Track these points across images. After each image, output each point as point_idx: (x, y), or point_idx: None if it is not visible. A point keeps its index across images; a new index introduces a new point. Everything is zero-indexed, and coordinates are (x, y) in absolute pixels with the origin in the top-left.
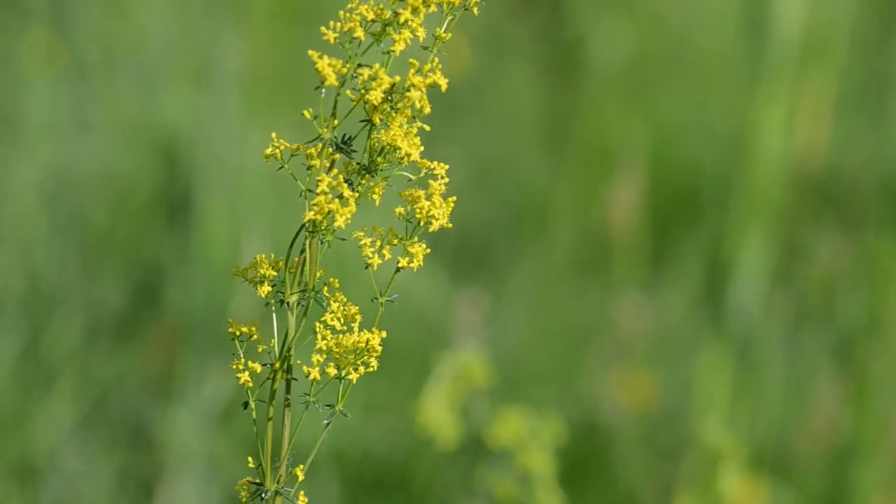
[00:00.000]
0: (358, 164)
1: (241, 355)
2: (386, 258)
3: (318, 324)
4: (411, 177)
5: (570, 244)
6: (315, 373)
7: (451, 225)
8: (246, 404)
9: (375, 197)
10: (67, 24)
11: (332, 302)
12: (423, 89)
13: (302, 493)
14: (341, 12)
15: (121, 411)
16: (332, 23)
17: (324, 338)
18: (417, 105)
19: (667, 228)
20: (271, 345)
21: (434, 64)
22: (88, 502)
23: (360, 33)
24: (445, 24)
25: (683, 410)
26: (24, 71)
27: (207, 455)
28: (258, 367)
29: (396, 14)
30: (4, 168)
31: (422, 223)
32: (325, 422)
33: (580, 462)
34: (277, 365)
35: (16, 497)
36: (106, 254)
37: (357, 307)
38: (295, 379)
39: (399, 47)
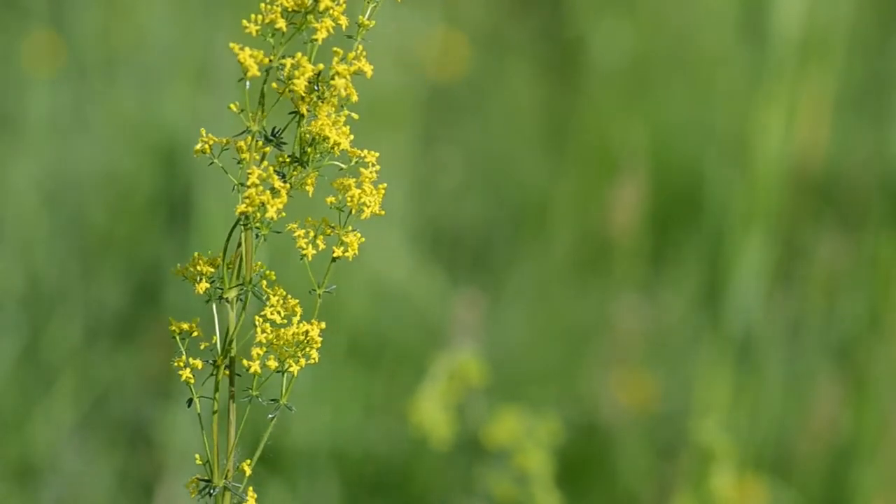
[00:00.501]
0: (289, 155)
1: (183, 352)
2: (320, 248)
3: (257, 317)
4: (342, 166)
5: (569, 244)
6: (255, 366)
7: (383, 212)
8: (190, 401)
9: (308, 188)
10: (67, 24)
11: (271, 296)
12: (348, 77)
13: (251, 488)
14: (262, 4)
15: (121, 411)
16: (253, 15)
17: (264, 331)
18: (343, 93)
19: (667, 229)
20: (213, 341)
21: (359, 52)
22: (88, 502)
23: (281, 24)
24: (368, 11)
25: (683, 411)
26: (24, 71)
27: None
28: (199, 364)
29: (316, 2)
30: (4, 168)
31: (353, 211)
32: (270, 416)
33: (580, 462)
34: (220, 360)
35: (16, 497)
36: (106, 254)
37: (297, 300)
38: (238, 374)
39: (321, 35)
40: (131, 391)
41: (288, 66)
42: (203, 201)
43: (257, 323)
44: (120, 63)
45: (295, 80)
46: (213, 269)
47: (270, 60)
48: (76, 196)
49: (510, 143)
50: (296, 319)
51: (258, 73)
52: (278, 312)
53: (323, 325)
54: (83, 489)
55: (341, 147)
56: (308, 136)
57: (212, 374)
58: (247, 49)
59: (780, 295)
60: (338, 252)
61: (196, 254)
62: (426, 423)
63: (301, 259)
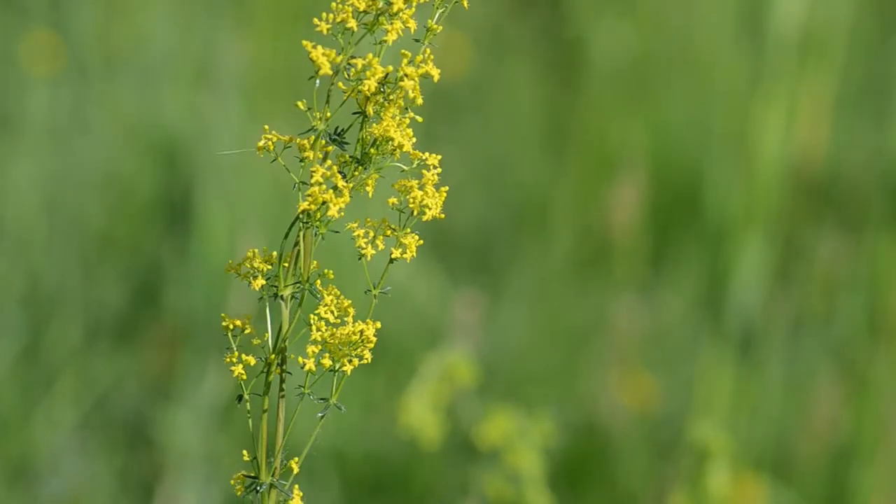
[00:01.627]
0: (351, 156)
1: (235, 349)
2: (379, 248)
3: (312, 316)
4: (404, 168)
5: (569, 245)
6: (310, 364)
7: (443, 215)
8: (240, 397)
9: (368, 188)
10: (67, 24)
11: (325, 295)
12: (416, 79)
13: (297, 486)
14: (333, 3)
15: (121, 412)
16: (324, 14)
17: (318, 329)
18: (410, 95)
19: (667, 229)
20: (265, 339)
21: (426, 55)
22: (88, 502)
23: (352, 24)
24: (437, 16)
25: (683, 411)
26: (24, 71)
27: (207, 455)
28: (252, 360)
29: (389, 4)
30: (4, 168)
31: (415, 213)
32: (320, 415)
33: (580, 462)
34: (272, 357)
35: (16, 497)
36: (106, 254)
37: (350, 300)
38: (289, 373)
39: (391, 37)
40: (131, 391)
41: (359, 66)
42: (203, 202)
43: (312, 321)
44: (120, 63)
45: (366, 81)
46: (268, 267)
47: (341, 60)
48: (76, 196)
49: (510, 143)
50: (350, 319)
51: (330, 72)
52: (332, 312)
53: (378, 324)
54: (83, 489)
55: (404, 149)
56: (370, 136)
57: (262, 372)
58: (319, 47)
59: (780, 295)
60: (396, 253)
61: (251, 250)
62: (415, 423)
63: (359, 259)
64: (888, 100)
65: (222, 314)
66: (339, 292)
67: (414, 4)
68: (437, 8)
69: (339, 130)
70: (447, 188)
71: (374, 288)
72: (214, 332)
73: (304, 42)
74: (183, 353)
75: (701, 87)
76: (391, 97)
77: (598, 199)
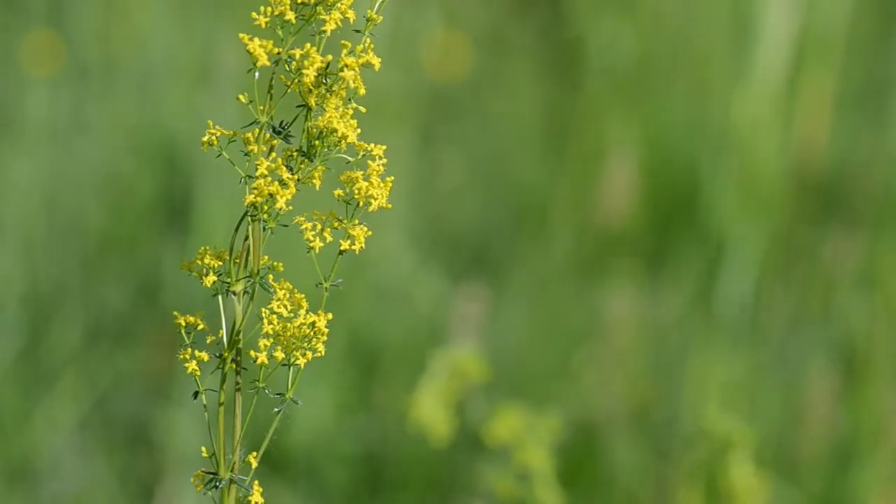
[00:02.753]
0: (297, 149)
1: (188, 344)
2: (327, 241)
3: (264, 309)
4: (350, 159)
5: (569, 244)
6: (262, 357)
7: (390, 205)
8: (196, 394)
9: (315, 181)
10: (67, 24)
11: (278, 289)
12: (357, 69)
13: (256, 482)
14: None
15: (121, 412)
16: (262, 7)
17: (270, 322)
18: (352, 85)
19: (665, 228)
20: (219, 335)
21: (367, 45)
22: (89, 503)
23: (290, 16)
24: (377, 6)
25: (680, 409)
26: (24, 71)
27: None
28: (205, 356)
29: None
30: (4, 169)
31: (360, 204)
32: (276, 409)
33: (578, 461)
34: (226, 353)
35: (16, 497)
36: (106, 255)
37: (303, 294)
38: (245, 368)
39: (330, 27)
40: (131, 391)
41: (297, 56)
42: (203, 202)
43: (264, 315)
44: (120, 64)
45: (304, 72)
46: (219, 263)
47: (279, 52)
48: (76, 197)
49: (510, 143)
50: (302, 312)
51: (268, 63)
52: (285, 306)
53: (330, 315)
54: (83, 490)
55: (349, 140)
56: (315, 129)
57: (218, 367)
58: (256, 39)
59: (778, 293)
60: (345, 245)
61: (202, 247)
62: (425, 421)
63: (308, 252)
64: (888, 99)
65: (174, 312)
66: (291, 286)
67: None
68: None
69: (283, 123)
70: (392, 178)
71: (325, 281)
72: (214, 331)
73: (241, 35)
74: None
75: (700, 87)
76: (333, 88)
77: (598, 198)
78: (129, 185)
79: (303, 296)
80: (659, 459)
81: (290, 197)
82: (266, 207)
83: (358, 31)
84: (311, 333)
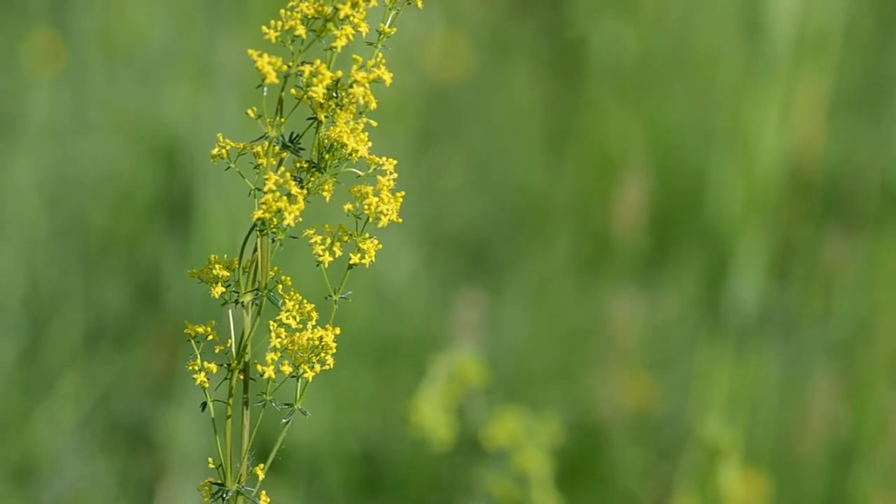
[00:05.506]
0: (307, 161)
1: (198, 356)
2: (337, 255)
3: (272, 322)
4: (360, 173)
5: (570, 245)
6: (269, 371)
7: (400, 220)
8: (204, 405)
9: (325, 194)
10: (67, 24)
11: (287, 300)
12: (367, 85)
13: (264, 492)
14: (283, 10)
15: (122, 412)
16: (273, 21)
17: (278, 336)
18: (362, 101)
19: (666, 228)
20: (228, 345)
21: (378, 59)
22: (89, 503)
23: (301, 31)
24: (389, 20)
25: (682, 410)
26: (25, 71)
27: (207, 455)
28: (214, 368)
29: (336, 9)
30: (5, 168)
31: (370, 219)
32: (284, 421)
33: (579, 462)
34: (234, 364)
35: (16, 497)
36: (106, 255)
37: (312, 305)
38: (252, 379)
39: (340, 43)
40: (132, 392)
41: (307, 73)
42: (203, 202)
43: (272, 328)
44: (120, 63)
45: (313, 88)
46: (228, 273)
47: (289, 67)
48: (77, 197)
49: (510, 143)
50: (311, 325)
51: (276, 81)
52: (293, 318)
53: (338, 330)
54: (84, 490)
55: (359, 154)
56: (326, 142)
57: (226, 379)
58: (265, 56)
59: (779, 294)
60: (354, 259)
61: (212, 257)
62: (426, 424)
63: (317, 265)
64: (887, 99)
65: (185, 322)
66: (300, 297)
67: (362, 9)
68: (390, 10)
69: (293, 136)
70: (403, 194)
71: (335, 294)
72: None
73: (250, 51)
74: (183, 353)
75: (701, 87)
76: (343, 103)
77: (599, 199)
78: (130, 185)
79: (312, 307)
80: (659, 460)
81: (298, 213)
82: (275, 221)
83: (371, 44)
84: (320, 347)
